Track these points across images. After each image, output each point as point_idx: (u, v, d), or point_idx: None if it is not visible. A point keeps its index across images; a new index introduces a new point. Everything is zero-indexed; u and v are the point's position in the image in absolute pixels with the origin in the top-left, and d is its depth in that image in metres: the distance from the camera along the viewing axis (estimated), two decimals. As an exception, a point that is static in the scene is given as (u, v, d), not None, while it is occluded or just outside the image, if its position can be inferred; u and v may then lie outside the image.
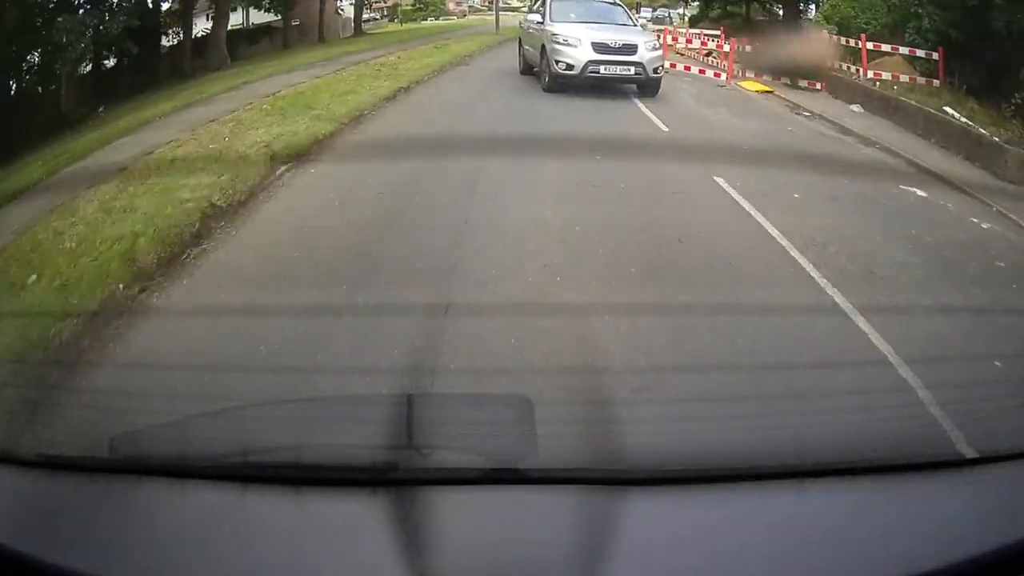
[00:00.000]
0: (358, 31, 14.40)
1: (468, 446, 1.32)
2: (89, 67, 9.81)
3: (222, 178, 4.68)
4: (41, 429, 2.04)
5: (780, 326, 3.12)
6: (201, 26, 11.59)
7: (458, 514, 1.20)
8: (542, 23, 9.19)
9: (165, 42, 11.46)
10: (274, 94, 8.01)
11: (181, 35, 11.42)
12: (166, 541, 1.17)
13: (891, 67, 9.57)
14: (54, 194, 5.23)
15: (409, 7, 15.56)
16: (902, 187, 6.26)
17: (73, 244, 3.94)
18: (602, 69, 8.25)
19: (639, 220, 4.49)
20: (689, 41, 12.61)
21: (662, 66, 8.68)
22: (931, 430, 2.32)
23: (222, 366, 2.69)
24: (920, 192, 6.10)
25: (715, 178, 5.41)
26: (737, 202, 5.01)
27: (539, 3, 10.35)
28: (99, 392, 2.53)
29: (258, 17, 12.68)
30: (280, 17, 12.78)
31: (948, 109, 8.11)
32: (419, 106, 8.03)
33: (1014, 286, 4.07)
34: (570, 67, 8.30)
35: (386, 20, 15.73)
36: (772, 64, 10.03)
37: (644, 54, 8.35)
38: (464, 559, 1.11)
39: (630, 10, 11.20)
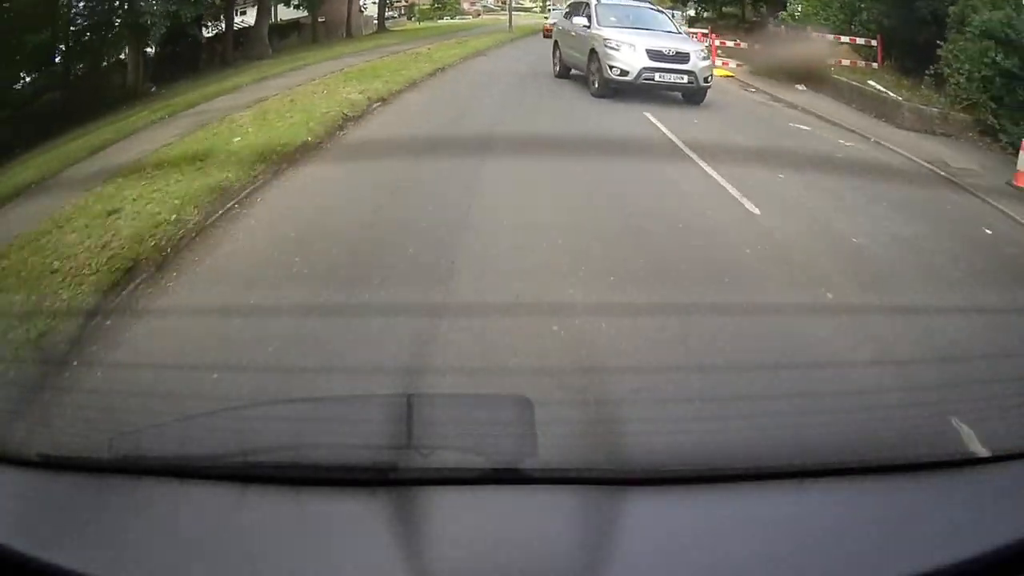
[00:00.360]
0: (381, 28, 15.62)
1: (468, 446, 1.32)
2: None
3: (342, 108, 7.49)
4: (41, 429, 2.04)
5: (780, 326, 3.12)
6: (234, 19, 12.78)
7: (458, 514, 1.20)
8: (588, 27, 9.18)
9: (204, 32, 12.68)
10: (341, 70, 10.43)
11: (222, 27, 12.60)
12: (166, 541, 1.17)
13: (841, 54, 11.04)
14: (196, 118, 7.86)
15: (427, 6, 16.52)
16: (791, 125, 8.57)
17: (255, 129, 6.69)
18: (656, 76, 8.30)
19: (597, 129, 7.37)
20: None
21: (711, 75, 8.75)
22: (931, 430, 2.32)
23: (222, 366, 2.69)
24: (805, 127, 8.42)
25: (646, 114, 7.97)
26: (657, 127, 7.51)
27: (569, 6, 10.58)
28: (99, 392, 2.53)
29: (285, 14, 13.72)
30: (308, 14, 13.88)
31: (871, 82, 9.92)
32: (454, 79, 10.93)
33: (845, 170, 6.35)
34: (624, 72, 8.36)
35: (404, 18, 16.82)
36: (746, 56, 11.92)
37: (696, 63, 8.44)
38: (464, 559, 1.11)
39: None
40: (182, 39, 11.44)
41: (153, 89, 10.68)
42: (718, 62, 11.21)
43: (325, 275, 3.48)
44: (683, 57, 8.36)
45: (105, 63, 10.72)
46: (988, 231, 5.16)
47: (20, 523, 1.19)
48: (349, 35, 14.30)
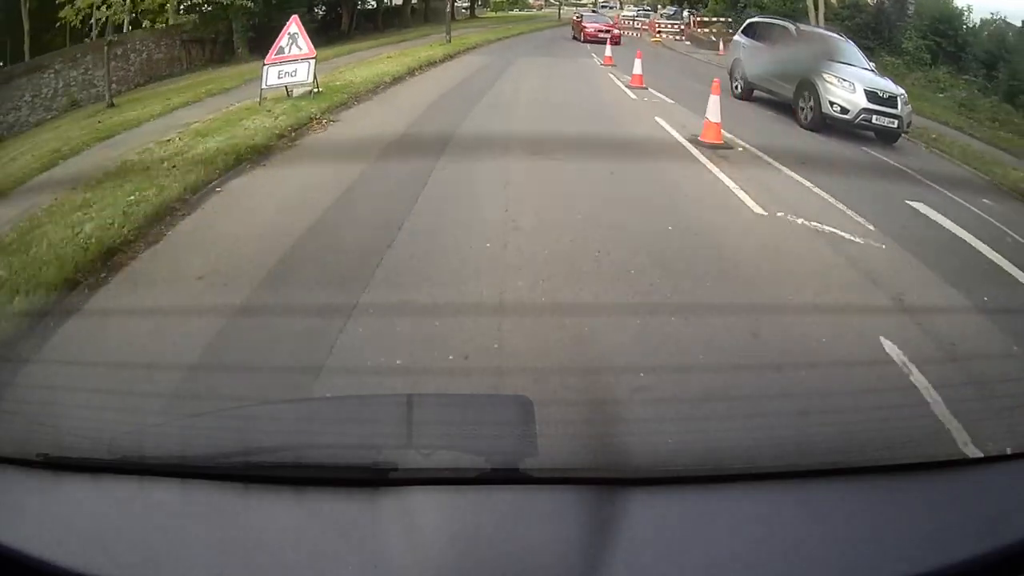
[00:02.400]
0: (472, 15, 19.38)
1: (468, 446, 1.32)
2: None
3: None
4: (41, 429, 2.04)
5: (780, 326, 3.13)
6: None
7: (458, 514, 1.20)
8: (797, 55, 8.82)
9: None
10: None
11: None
12: (166, 541, 1.17)
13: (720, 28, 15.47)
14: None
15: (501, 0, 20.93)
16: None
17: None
18: (873, 119, 8.08)
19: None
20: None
21: (911, 122, 8.44)
22: (931, 430, 2.32)
23: (222, 366, 2.69)
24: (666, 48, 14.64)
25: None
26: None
27: (754, 25, 10.27)
28: (99, 392, 2.53)
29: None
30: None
31: (714, 37, 14.87)
32: (554, 31, 17.43)
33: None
34: (844, 111, 8.11)
35: (485, 8, 20.69)
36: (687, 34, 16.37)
37: (902, 108, 8.19)
38: (464, 559, 1.11)
39: (613, 9, 17.99)
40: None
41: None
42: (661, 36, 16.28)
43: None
44: (893, 101, 8.15)
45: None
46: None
47: (20, 523, 1.19)
48: (453, 18, 17.59)
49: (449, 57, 11.65)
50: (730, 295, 3.41)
